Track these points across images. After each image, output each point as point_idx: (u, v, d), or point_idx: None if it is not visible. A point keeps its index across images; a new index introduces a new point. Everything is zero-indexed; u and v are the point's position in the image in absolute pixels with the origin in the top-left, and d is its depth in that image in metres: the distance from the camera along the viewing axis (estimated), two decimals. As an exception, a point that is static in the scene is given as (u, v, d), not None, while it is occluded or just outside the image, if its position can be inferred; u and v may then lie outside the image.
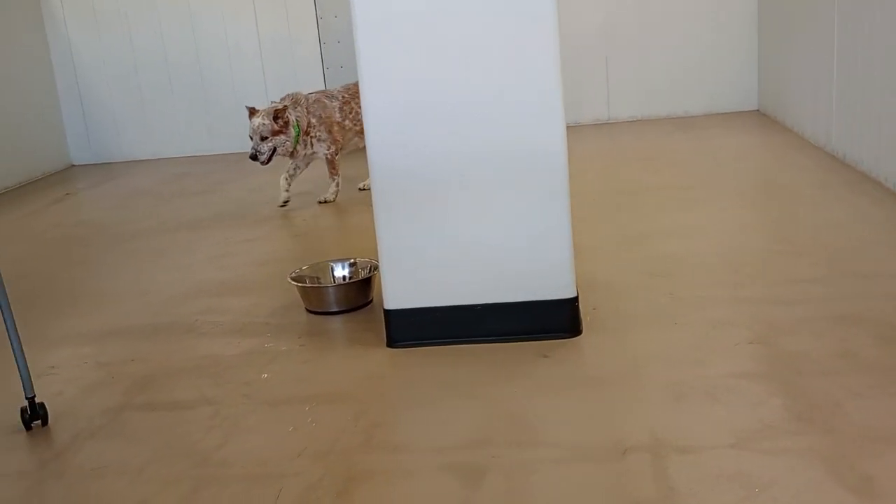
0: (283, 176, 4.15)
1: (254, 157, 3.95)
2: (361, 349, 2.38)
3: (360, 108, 4.16)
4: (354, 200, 4.19)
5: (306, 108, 4.07)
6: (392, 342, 2.36)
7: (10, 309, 2.02)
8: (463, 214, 2.27)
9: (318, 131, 4.09)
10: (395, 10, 2.16)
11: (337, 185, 4.19)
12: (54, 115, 5.97)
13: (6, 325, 2.02)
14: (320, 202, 4.17)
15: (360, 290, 2.71)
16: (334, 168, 4.17)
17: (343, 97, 4.20)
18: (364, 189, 4.27)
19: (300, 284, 2.74)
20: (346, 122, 4.18)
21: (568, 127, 2.24)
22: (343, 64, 5.89)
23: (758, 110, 5.61)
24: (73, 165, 6.11)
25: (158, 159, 5.98)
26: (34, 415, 2.06)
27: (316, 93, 4.19)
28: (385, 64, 2.20)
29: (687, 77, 5.70)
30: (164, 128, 6.04)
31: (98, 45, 5.94)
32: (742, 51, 5.60)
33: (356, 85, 4.27)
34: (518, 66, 2.17)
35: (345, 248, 3.32)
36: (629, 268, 2.84)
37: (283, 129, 3.95)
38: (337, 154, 4.17)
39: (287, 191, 4.13)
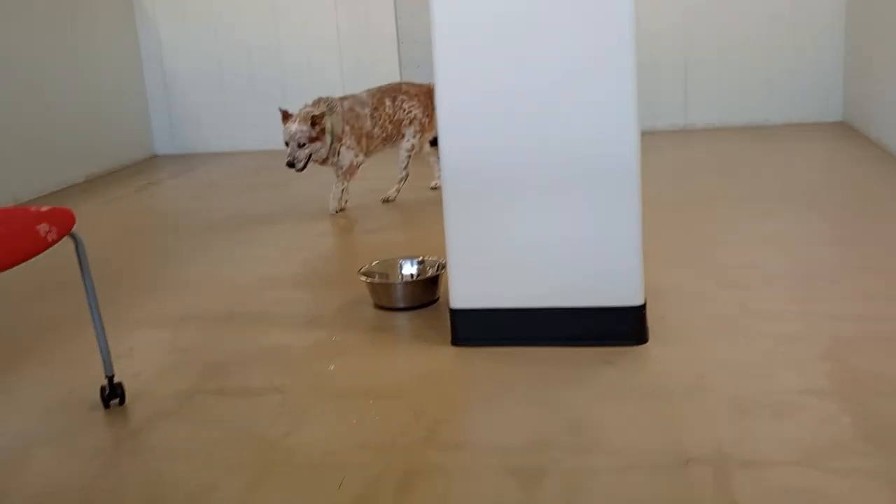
0: (339, 188, 4.06)
1: (290, 165, 3.84)
2: (426, 346, 2.41)
3: (386, 115, 4.10)
4: (424, 200, 4.23)
5: (342, 116, 3.99)
6: (457, 341, 2.39)
7: (95, 291, 2.11)
8: (533, 217, 2.27)
9: (349, 139, 4.00)
10: (473, 12, 2.18)
11: (343, 192, 4.07)
12: (141, 106, 6.18)
13: (90, 307, 2.11)
14: (387, 200, 4.18)
15: (428, 288, 2.74)
16: (351, 176, 4.07)
17: (372, 103, 4.11)
18: (435, 188, 4.30)
19: (369, 280, 2.78)
20: (375, 129, 4.10)
21: (642, 133, 2.23)
22: (420, 63, 5.94)
23: (842, 121, 5.45)
24: (157, 155, 6.32)
25: (237, 152, 6.14)
26: (112, 394, 2.15)
27: (349, 99, 4.10)
28: (461, 65, 2.22)
29: (768, 84, 5.57)
30: (244, 122, 6.20)
31: (185, 39, 6.13)
32: (827, 59, 5.46)
33: (380, 91, 4.26)
34: (592, 69, 2.17)
35: (414, 246, 3.36)
36: (699, 277, 2.80)
37: (320, 136, 3.87)
38: (360, 164, 4.09)
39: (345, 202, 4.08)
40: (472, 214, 2.30)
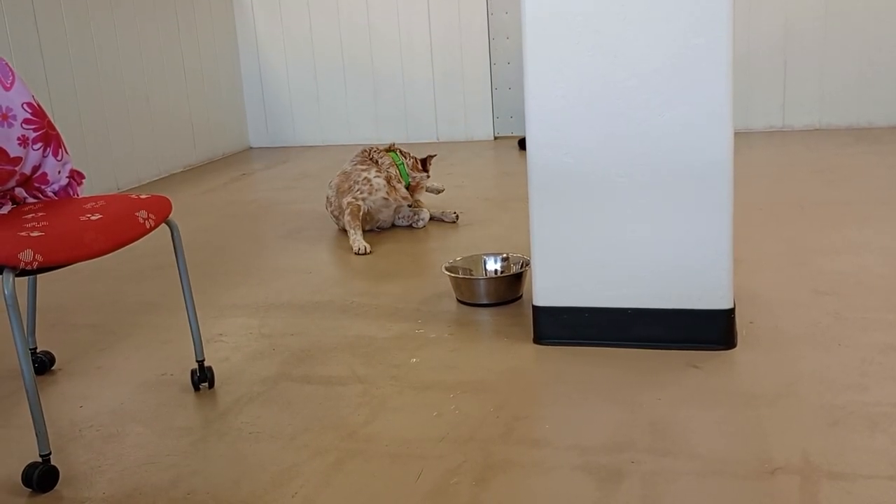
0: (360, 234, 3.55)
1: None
2: (508, 343, 2.41)
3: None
4: (512, 197, 4.22)
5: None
6: (539, 339, 2.38)
7: (188, 277, 2.19)
8: (619, 217, 2.25)
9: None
10: (564, 10, 2.17)
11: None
12: (237, 100, 6.37)
13: (184, 293, 2.19)
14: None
15: (511, 285, 2.74)
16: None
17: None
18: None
19: (453, 275, 2.80)
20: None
21: (737, 132, 2.17)
22: (510, 60, 5.93)
23: (952, 124, 5.20)
24: (251, 148, 6.50)
25: (328, 146, 6.25)
26: (202, 377, 2.23)
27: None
28: (551, 63, 2.21)
29: (872, 85, 5.35)
30: (335, 116, 6.31)
31: (281, 34, 6.28)
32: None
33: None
34: (685, 65, 2.12)
35: (498, 243, 3.36)
36: (793, 283, 2.71)
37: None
38: None
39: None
40: (558, 212, 2.28)
